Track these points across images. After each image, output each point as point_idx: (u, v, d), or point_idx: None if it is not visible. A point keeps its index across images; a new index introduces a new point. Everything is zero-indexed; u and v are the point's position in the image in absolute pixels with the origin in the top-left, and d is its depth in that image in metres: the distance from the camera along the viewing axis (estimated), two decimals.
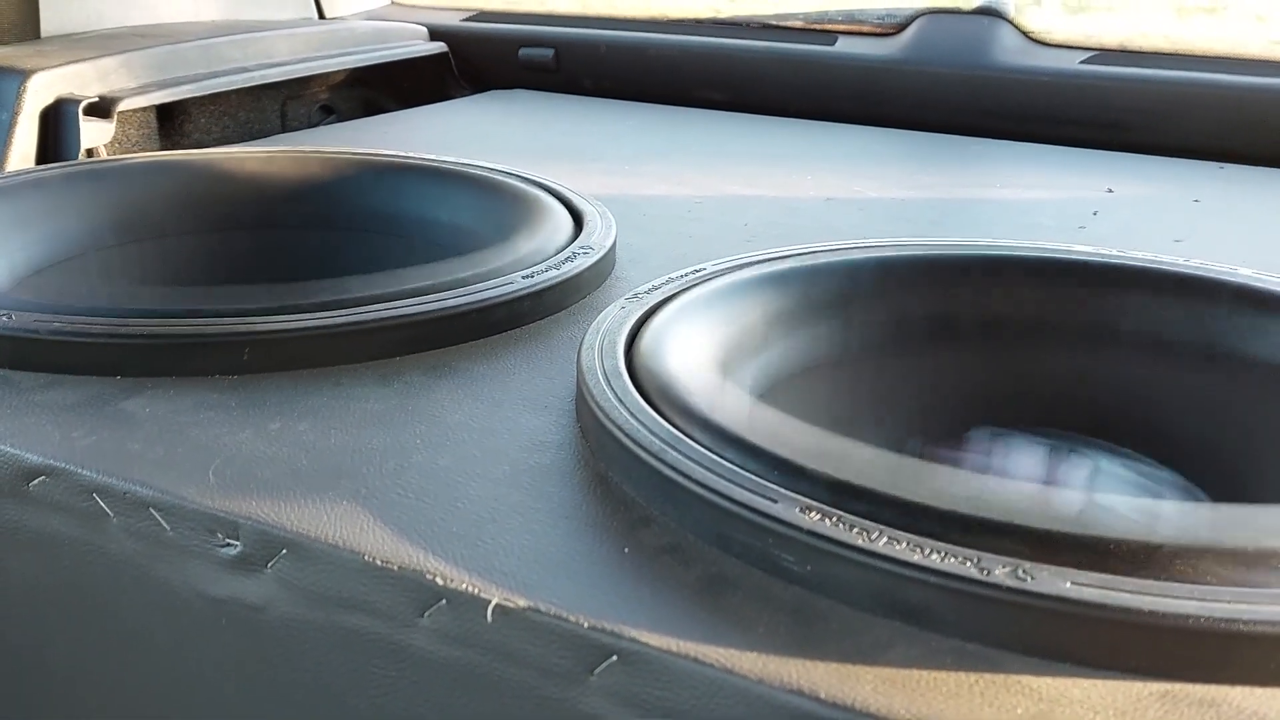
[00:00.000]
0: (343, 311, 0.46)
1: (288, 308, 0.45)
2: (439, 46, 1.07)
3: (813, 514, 0.34)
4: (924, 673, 0.30)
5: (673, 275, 0.53)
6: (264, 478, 0.38)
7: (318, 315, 0.45)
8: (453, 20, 1.10)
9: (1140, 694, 0.29)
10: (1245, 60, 0.87)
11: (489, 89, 1.08)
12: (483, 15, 1.10)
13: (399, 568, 0.33)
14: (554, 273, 0.53)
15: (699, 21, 1.07)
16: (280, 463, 0.39)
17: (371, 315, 0.46)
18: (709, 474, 0.36)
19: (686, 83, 1.04)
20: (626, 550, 0.35)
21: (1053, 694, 0.29)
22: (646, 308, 0.49)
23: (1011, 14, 0.95)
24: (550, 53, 1.06)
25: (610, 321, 0.48)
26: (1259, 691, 0.29)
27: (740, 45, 1.02)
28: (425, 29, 1.07)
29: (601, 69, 1.05)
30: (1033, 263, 0.56)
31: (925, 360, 0.54)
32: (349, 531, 0.35)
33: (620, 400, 0.40)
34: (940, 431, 0.52)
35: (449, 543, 0.34)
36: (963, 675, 0.30)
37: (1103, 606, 0.30)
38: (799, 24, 1.04)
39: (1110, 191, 0.76)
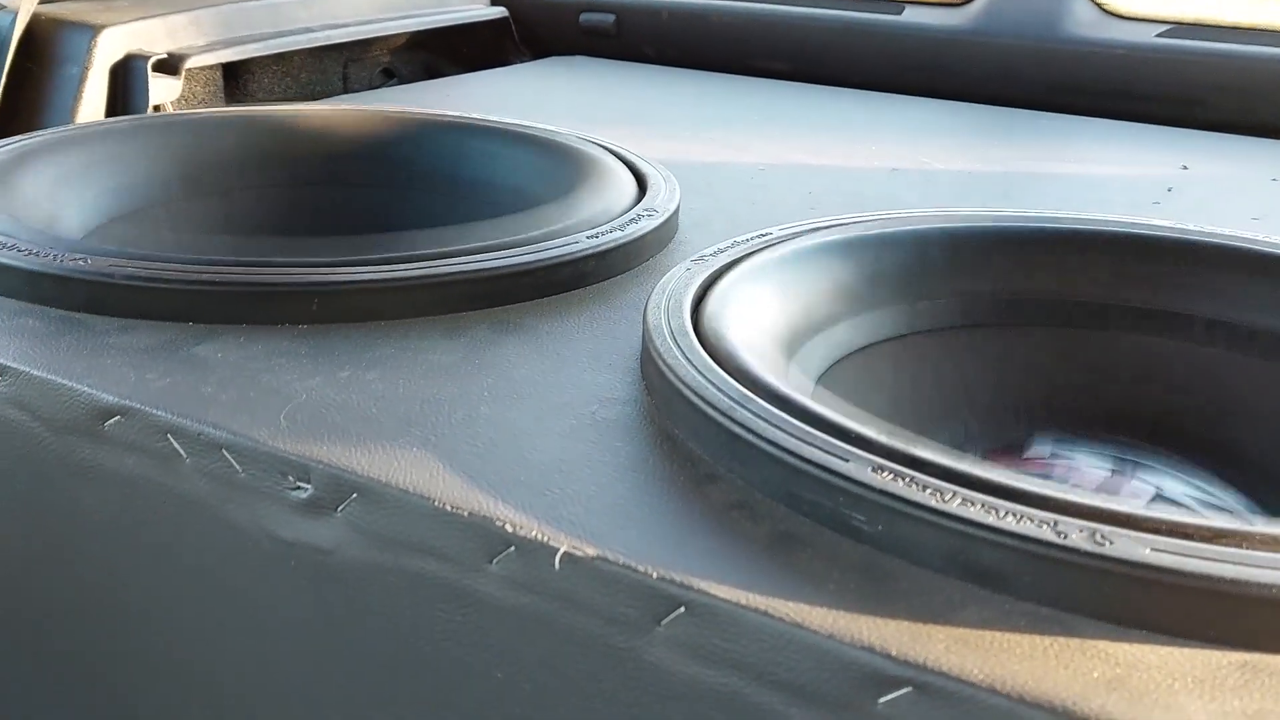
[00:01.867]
0: (411, 265, 0.46)
1: (357, 260, 0.46)
2: (499, 11, 1.07)
3: (885, 474, 0.33)
4: (997, 634, 0.29)
5: (738, 239, 0.53)
6: (334, 423, 0.38)
7: (386, 268, 0.46)
8: None
9: (1219, 663, 0.29)
10: None
11: (549, 55, 1.08)
12: None
13: (469, 514, 0.33)
14: (618, 234, 0.53)
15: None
16: (350, 409, 0.39)
17: (440, 270, 0.46)
18: (779, 432, 0.35)
19: (749, 51, 1.03)
20: (697, 506, 0.35)
21: (1129, 660, 0.28)
22: (712, 270, 0.49)
23: None
24: (611, 18, 1.05)
25: (676, 283, 0.47)
26: None
27: (805, 13, 1.00)
28: None
29: (663, 35, 1.05)
30: (1104, 236, 0.55)
31: (991, 342, 0.53)
32: (418, 477, 0.35)
33: (688, 358, 0.40)
34: (1004, 424, 0.51)
35: (517, 491, 0.34)
36: (1037, 638, 0.29)
37: (1182, 573, 0.29)
38: None
39: (1185, 169, 0.74)
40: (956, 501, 0.32)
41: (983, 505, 0.32)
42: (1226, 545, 0.30)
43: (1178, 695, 0.27)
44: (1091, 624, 0.30)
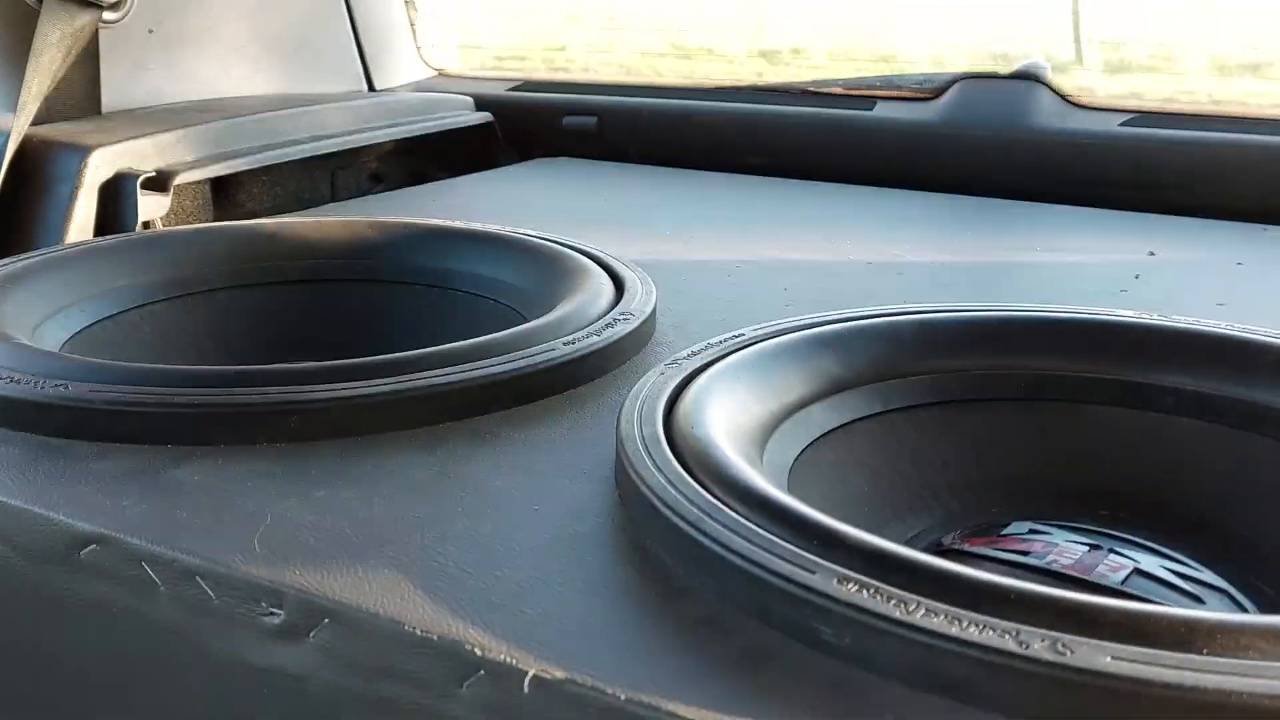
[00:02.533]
0: (386, 380, 0.47)
1: (333, 377, 0.47)
2: (485, 116, 1.09)
3: (850, 585, 0.34)
4: None
5: (712, 341, 0.54)
6: (307, 545, 0.38)
7: (362, 384, 0.46)
8: (498, 90, 1.13)
9: None
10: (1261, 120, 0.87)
11: (534, 157, 1.11)
12: (527, 85, 1.13)
13: (439, 637, 0.34)
14: (595, 339, 0.54)
15: (739, 88, 1.08)
16: (324, 530, 0.40)
17: (414, 384, 0.47)
18: (747, 544, 0.36)
19: (728, 149, 1.05)
20: (668, 621, 0.35)
21: None
22: (685, 373, 0.50)
23: (1049, 77, 0.96)
24: (593, 120, 1.08)
25: (649, 388, 0.48)
26: None
27: (780, 111, 1.03)
28: (471, 99, 1.10)
29: (644, 136, 1.07)
30: (1073, 326, 0.56)
31: (967, 419, 0.54)
32: (390, 601, 0.35)
33: (658, 468, 0.41)
34: (983, 501, 0.52)
35: (488, 612, 0.35)
36: None
37: (1144, 682, 0.30)
38: (838, 90, 1.05)
39: (1152, 254, 0.76)
40: (920, 613, 0.32)
41: (946, 616, 0.32)
42: (1189, 651, 0.31)
43: None
44: None
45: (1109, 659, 0.30)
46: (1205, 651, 0.31)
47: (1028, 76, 0.96)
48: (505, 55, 1.43)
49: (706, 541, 0.36)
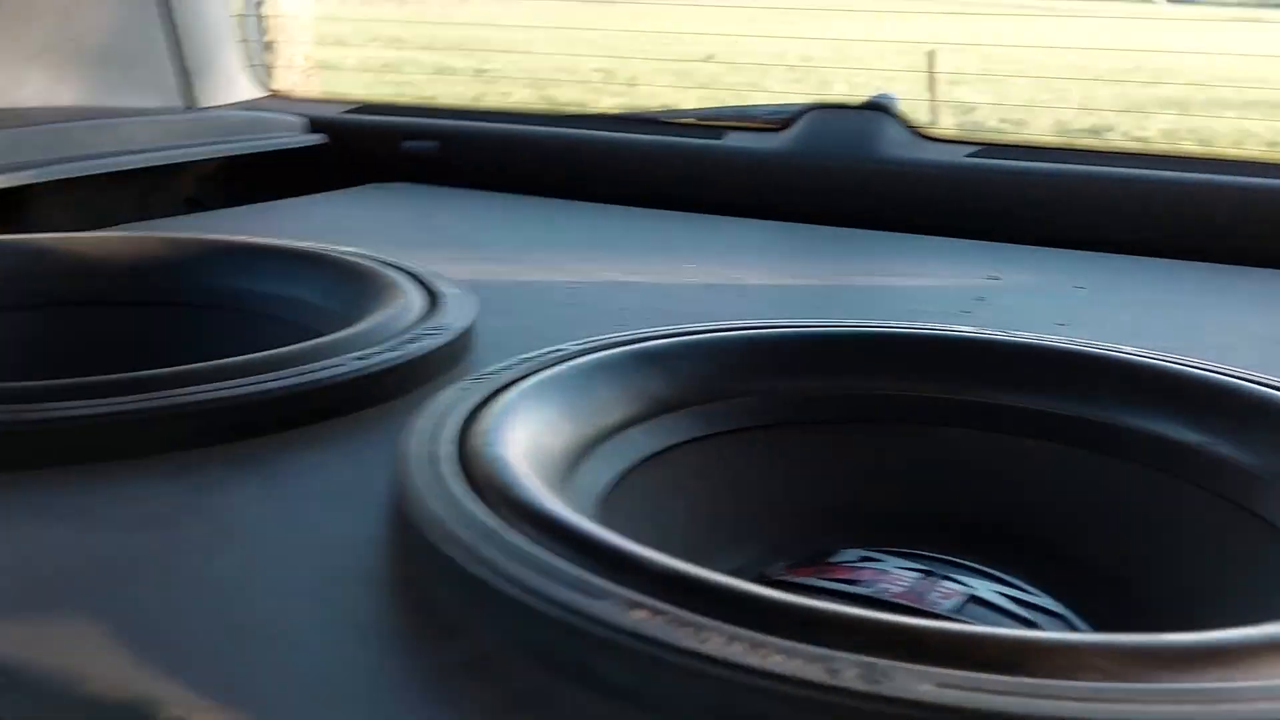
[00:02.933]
0: (128, 399, 0.40)
1: (62, 395, 0.40)
2: (318, 138, 1.03)
3: (640, 613, 0.29)
4: None
5: (526, 355, 0.49)
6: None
7: (97, 403, 0.40)
8: (334, 112, 1.07)
9: None
10: (1126, 154, 0.88)
11: (371, 182, 1.04)
12: (366, 107, 1.07)
13: (132, 699, 0.27)
14: (391, 354, 0.49)
15: (591, 116, 1.05)
16: (26, 574, 0.33)
17: (160, 403, 0.40)
18: (526, 571, 0.31)
19: (577, 176, 1.01)
20: (426, 666, 0.29)
21: None
22: (491, 389, 0.45)
23: (898, 109, 0.95)
24: (435, 145, 1.03)
25: (446, 404, 0.43)
26: None
27: (629, 139, 1.00)
28: (304, 120, 1.04)
29: (488, 161, 1.02)
30: (911, 341, 0.53)
31: (796, 442, 0.50)
32: (79, 657, 0.29)
33: (438, 489, 0.35)
34: (811, 530, 0.48)
35: (203, 665, 0.29)
36: None
37: (970, 712, 0.25)
38: (690, 120, 1.03)
39: (995, 279, 0.74)
40: (719, 641, 0.27)
41: (749, 644, 0.27)
42: (1021, 674, 0.27)
43: None
44: None
45: (930, 686, 0.26)
46: (1040, 675, 0.27)
47: (877, 107, 0.95)
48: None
49: (479, 570, 0.31)
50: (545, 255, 0.79)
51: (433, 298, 0.57)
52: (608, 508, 0.42)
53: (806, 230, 0.89)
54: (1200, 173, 0.82)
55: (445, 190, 1.01)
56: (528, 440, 0.41)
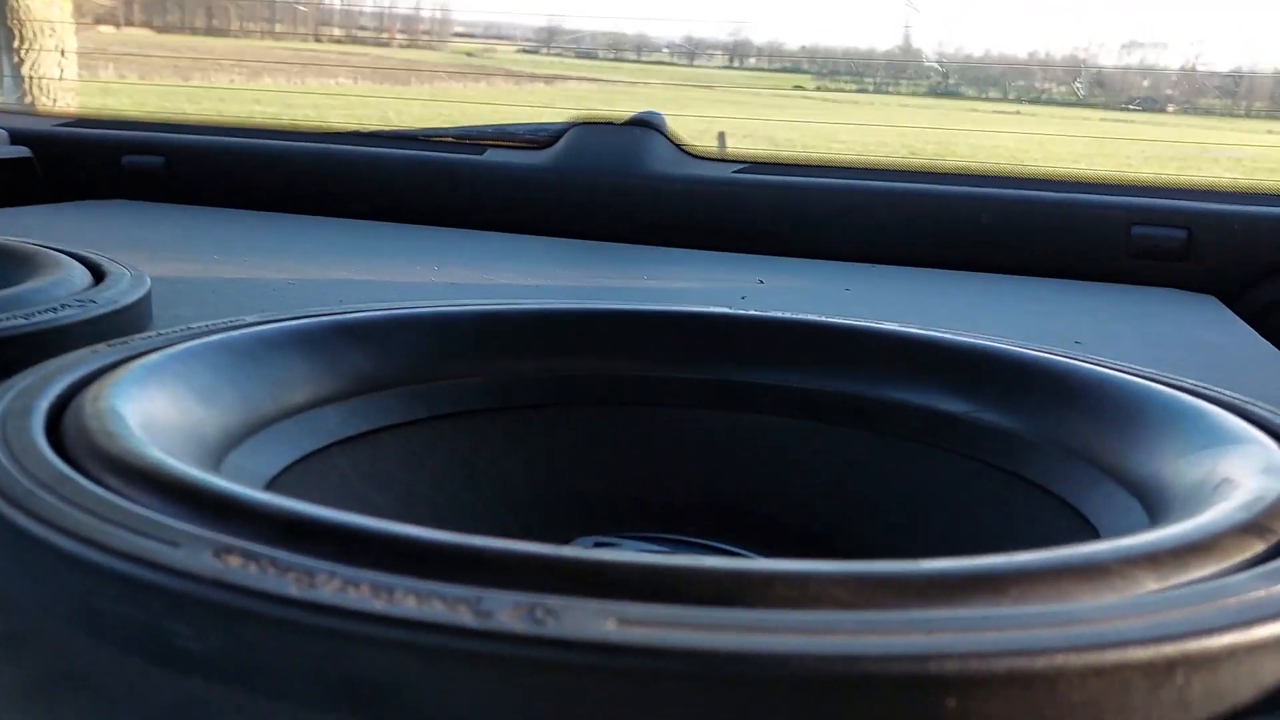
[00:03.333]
0: None
1: None
2: (20, 150, 0.91)
3: (231, 558, 0.21)
4: None
5: (194, 325, 0.40)
6: None
7: None
8: (44, 125, 0.95)
9: None
10: (890, 169, 0.87)
11: (87, 199, 0.93)
12: (82, 121, 0.95)
13: None
14: (21, 322, 0.39)
15: (339, 133, 0.97)
16: None
17: None
18: (88, 519, 0.22)
19: (325, 192, 0.93)
20: None
21: None
22: (135, 353, 0.36)
23: (665, 126, 0.92)
24: (160, 160, 0.92)
25: (66, 363, 0.34)
26: None
27: (381, 153, 0.92)
28: (4, 132, 0.91)
29: (224, 178, 0.93)
30: (656, 319, 0.47)
31: (530, 427, 0.43)
32: None
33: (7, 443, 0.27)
34: (548, 521, 0.41)
35: None
36: None
37: (667, 654, 0.19)
38: (449, 138, 0.97)
39: (761, 283, 0.71)
40: (333, 585, 0.20)
41: (371, 586, 0.20)
42: (734, 605, 0.20)
43: None
44: None
45: (612, 624, 0.19)
46: (760, 603, 0.21)
47: (643, 124, 0.92)
48: None
49: (22, 520, 0.22)
50: (269, 260, 0.70)
51: (98, 277, 0.48)
52: (277, 488, 0.34)
53: (571, 244, 0.83)
54: (964, 185, 0.82)
55: (173, 208, 0.90)
56: (169, 406, 0.33)
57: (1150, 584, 0.23)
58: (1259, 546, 0.25)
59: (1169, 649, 0.20)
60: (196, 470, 0.25)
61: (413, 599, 0.20)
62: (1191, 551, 0.24)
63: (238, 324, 0.41)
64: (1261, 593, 0.22)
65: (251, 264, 0.68)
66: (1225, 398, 0.38)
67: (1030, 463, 0.40)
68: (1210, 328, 0.64)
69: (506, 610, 0.19)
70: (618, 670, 0.19)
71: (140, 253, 0.64)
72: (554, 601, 0.20)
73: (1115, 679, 0.20)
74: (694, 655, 0.19)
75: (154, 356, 0.35)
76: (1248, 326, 0.64)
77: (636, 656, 0.19)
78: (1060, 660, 0.19)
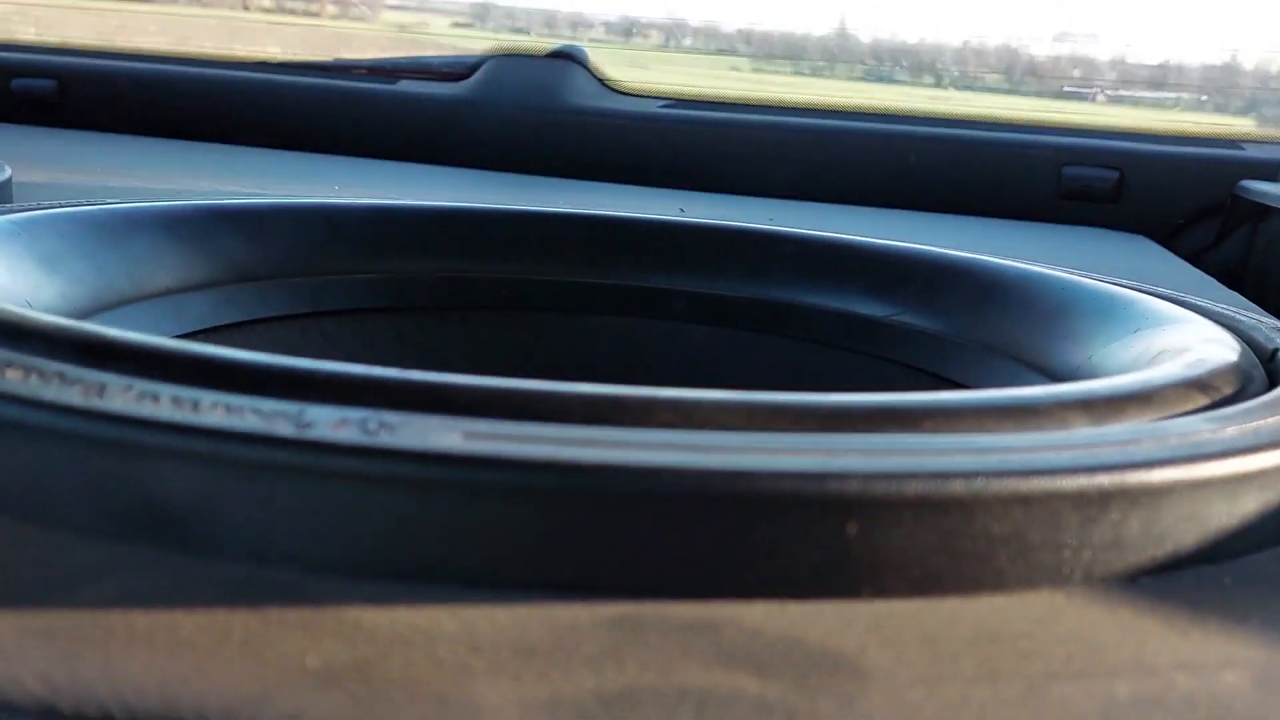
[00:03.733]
0: None
1: None
2: None
3: (12, 370, 0.17)
4: (139, 615, 0.14)
5: (45, 201, 0.36)
6: None
7: None
8: None
9: (568, 623, 0.15)
10: (821, 108, 0.85)
11: None
12: None
13: None
14: None
15: (244, 62, 0.92)
16: None
17: None
18: None
19: (226, 120, 0.87)
20: None
21: (398, 633, 0.14)
22: None
23: (588, 60, 0.88)
24: (53, 84, 0.86)
25: None
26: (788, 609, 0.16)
27: (288, 81, 0.88)
28: None
29: (121, 104, 0.87)
30: (563, 220, 0.44)
31: (423, 329, 0.40)
32: None
33: None
34: None
35: None
36: (224, 617, 0.14)
37: (510, 463, 0.16)
38: (362, 70, 0.92)
39: (681, 210, 0.68)
40: (127, 397, 0.17)
41: (170, 399, 0.17)
42: (585, 424, 0.17)
43: (467, 682, 0.13)
44: (346, 583, 0.15)
45: (460, 436, 0.16)
46: (621, 424, 0.18)
47: (565, 56, 0.88)
48: None
49: None
50: (156, 181, 0.65)
51: None
52: None
53: (487, 175, 0.80)
54: (893, 124, 0.80)
55: (64, 132, 0.85)
56: (3, 269, 0.29)
57: (1084, 429, 0.20)
58: (1202, 400, 0.22)
59: (1103, 480, 0.18)
60: None
61: (221, 411, 0.16)
62: (1129, 400, 0.21)
63: (101, 203, 0.37)
64: (1206, 433, 0.20)
65: (136, 181, 0.63)
66: (1160, 291, 0.36)
67: (950, 362, 0.38)
68: (1146, 262, 0.62)
69: (332, 423, 0.16)
70: (465, 487, 0.16)
71: (15, 164, 0.59)
72: (391, 416, 0.17)
73: (1042, 510, 0.17)
74: (552, 467, 0.16)
75: None
76: (1184, 261, 0.62)
77: (488, 469, 0.16)
78: (978, 486, 0.17)
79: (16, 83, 0.88)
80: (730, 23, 1.30)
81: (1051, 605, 0.17)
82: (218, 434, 0.16)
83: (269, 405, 0.17)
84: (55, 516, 0.16)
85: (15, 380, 0.17)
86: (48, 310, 0.30)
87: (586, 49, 0.92)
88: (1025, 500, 0.17)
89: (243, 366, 0.18)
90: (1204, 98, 1.05)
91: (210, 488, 0.16)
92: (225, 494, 0.16)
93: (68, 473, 0.16)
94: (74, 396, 0.17)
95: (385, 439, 0.16)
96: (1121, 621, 0.17)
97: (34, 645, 0.13)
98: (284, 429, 0.16)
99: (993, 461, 0.17)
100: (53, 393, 0.17)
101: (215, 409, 0.16)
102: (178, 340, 0.19)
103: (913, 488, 0.16)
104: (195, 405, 0.16)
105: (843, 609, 0.16)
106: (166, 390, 0.17)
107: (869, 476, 0.16)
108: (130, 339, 0.18)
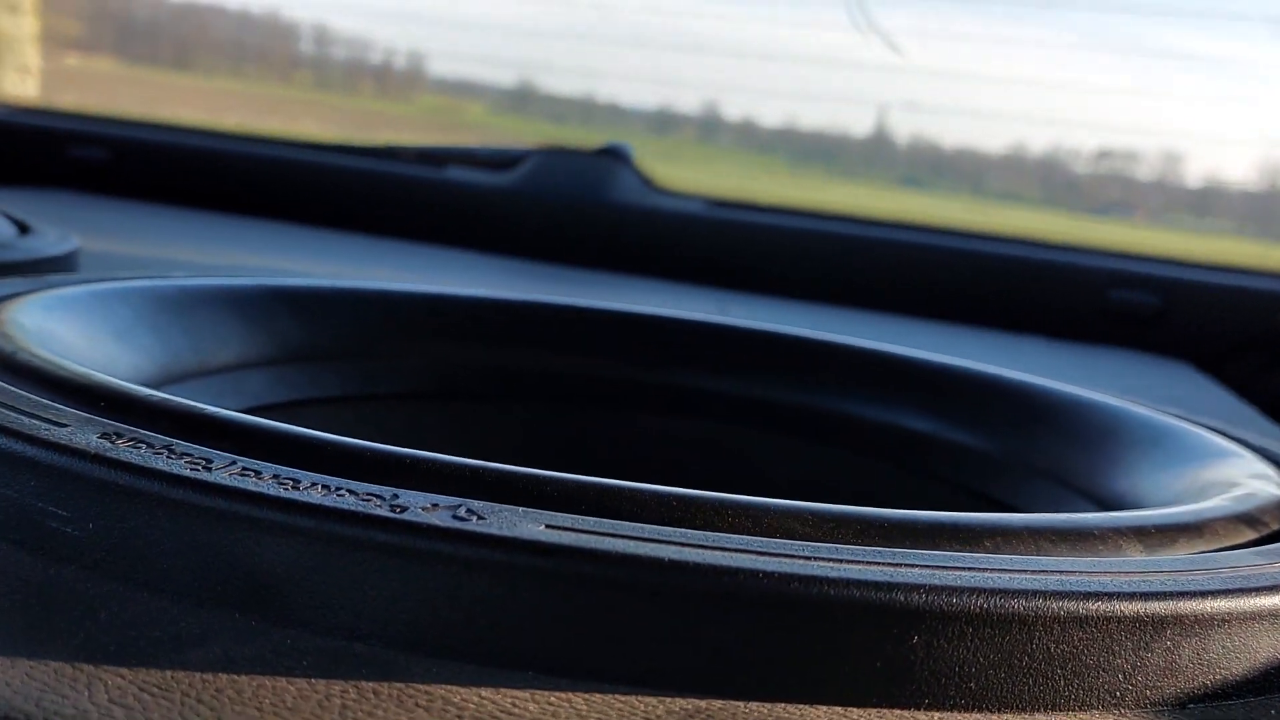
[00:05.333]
0: None
1: None
2: None
3: (122, 441, 0.18)
4: (244, 680, 0.15)
5: (121, 274, 0.38)
6: None
7: None
8: None
9: (643, 713, 0.15)
10: (867, 219, 0.87)
11: (27, 187, 0.89)
12: (31, 110, 0.92)
13: None
14: None
15: (296, 142, 0.95)
16: None
17: None
18: None
19: (275, 198, 0.90)
20: None
21: (480, 711, 0.15)
22: (47, 286, 0.33)
23: (634, 158, 0.91)
24: (107, 154, 0.89)
25: None
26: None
27: (338, 163, 0.90)
28: None
29: (172, 177, 0.90)
30: (609, 318, 0.45)
31: (471, 416, 0.41)
32: None
33: None
34: None
35: None
36: (323, 685, 0.15)
37: (601, 558, 0.17)
38: (411, 155, 0.95)
39: (725, 311, 0.69)
40: (231, 471, 0.18)
41: (275, 477, 0.18)
42: (653, 521, 0.18)
43: None
44: (432, 663, 0.16)
45: (543, 527, 0.17)
46: (678, 523, 0.18)
47: (611, 154, 0.91)
48: None
49: None
50: (210, 255, 0.67)
51: (22, 230, 0.46)
52: None
53: (529, 265, 0.82)
54: (940, 238, 0.81)
55: (118, 201, 0.88)
56: (80, 338, 0.30)
57: (1139, 556, 0.21)
58: (1250, 534, 0.23)
59: (1158, 607, 0.18)
60: (90, 369, 0.22)
61: (319, 490, 0.17)
62: (1181, 530, 0.22)
63: (167, 277, 0.38)
64: (1256, 567, 0.20)
65: (189, 254, 0.65)
66: (1206, 422, 0.36)
67: (995, 482, 0.38)
68: (1190, 390, 0.63)
69: (424, 506, 0.17)
70: (544, 573, 0.16)
71: (77, 233, 0.61)
72: (476, 504, 0.17)
73: (1099, 632, 0.18)
74: (629, 561, 0.16)
75: (73, 289, 0.33)
76: (1227, 392, 0.63)
77: (568, 559, 0.16)
78: (1039, 605, 0.17)
79: (73, 151, 0.91)
80: (769, 117, 1.32)
81: None
82: (318, 511, 0.17)
83: (363, 486, 0.18)
84: (161, 583, 0.17)
85: (120, 447, 0.18)
86: (129, 375, 0.31)
87: (625, 146, 0.95)
88: (1084, 622, 0.18)
89: (339, 450, 0.19)
90: (1246, 224, 1.06)
91: (306, 564, 0.17)
92: (320, 570, 0.17)
93: (173, 540, 0.17)
94: (182, 469, 0.17)
95: (476, 525, 0.17)
96: None
97: (152, 701, 0.13)
98: (378, 510, 0.17)
99: (1053, 581, 0.18)
100: (161, 463, 0.18)
101: (313, 488, 0.17)
102: (278, 424, 0.20)
103: (977, 603, 0.17)
104: (296, 484, 0.17)
105: (902, 718, 0.17)
106: (270, 467, 0.18)
107: (933, 590, 0.17)
108: (235, 418, 0.19)
